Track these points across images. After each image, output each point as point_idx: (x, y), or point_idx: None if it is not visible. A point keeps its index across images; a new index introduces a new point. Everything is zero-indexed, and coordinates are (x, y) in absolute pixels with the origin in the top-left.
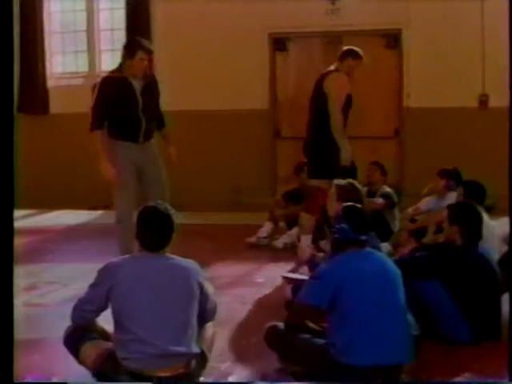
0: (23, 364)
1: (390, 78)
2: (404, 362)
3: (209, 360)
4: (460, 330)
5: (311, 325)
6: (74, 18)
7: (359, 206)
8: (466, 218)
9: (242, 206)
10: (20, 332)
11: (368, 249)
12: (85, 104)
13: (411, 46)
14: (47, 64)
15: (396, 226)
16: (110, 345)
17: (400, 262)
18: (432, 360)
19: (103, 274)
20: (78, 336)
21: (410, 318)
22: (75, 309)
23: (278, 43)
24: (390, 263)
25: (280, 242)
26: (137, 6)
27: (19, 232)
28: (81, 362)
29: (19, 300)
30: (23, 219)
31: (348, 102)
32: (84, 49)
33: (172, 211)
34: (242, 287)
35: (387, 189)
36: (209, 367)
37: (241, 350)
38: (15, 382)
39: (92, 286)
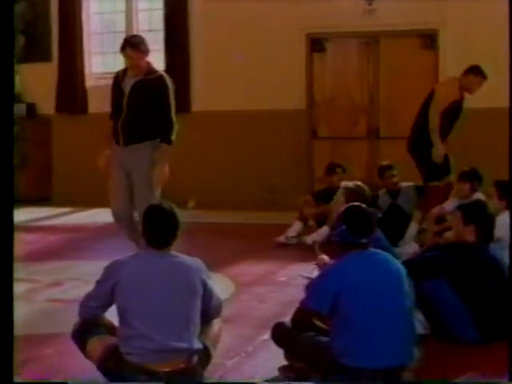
0: (36, 357)
1: (425, 79)
2: (405, 364)
3: (212, 356)
4: (468, 330)
5: (318, 323)
6: (114, 19)
7: (363, 206)
8: (482, 217)
9: (278, 205)
10: (39, 327)
11: (371, 250)
12: None
13: (447, 47)
14: (86, 64)
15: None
16: (115, 340)
17: (409, 263)
18: (439, 359)
19: (108, 270)
20: (85, 330)
21: (420, 317)
22: (82, 304)
23: (315, 43)
24: (395, 264)
25: (310, 239)
26: (175, 7)
27: (53, 229)
28: (87, 355)
29: (42, 296)
30: (60, 217)
31: (453, 110)
32: None
33: (176, 209)
34: (263, 286)
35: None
36: (216, 363)
37: (251, 348)
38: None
39: (98, 283)
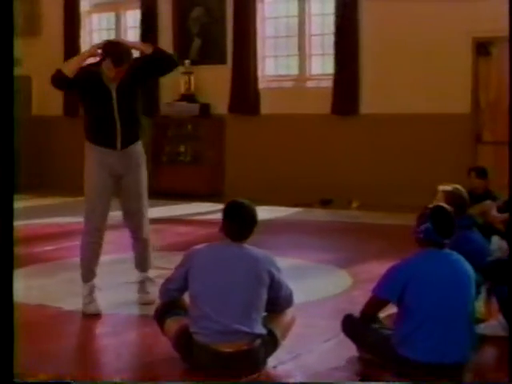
0: (134, 335)
1: None
2: (459, 362)
3: (280, 343)
4: None
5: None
6: (287, 24)
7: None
8: None
9: None
10: (151, 309)
11: (447, 250)
12: (295, 105)
13: None
14: (259, 67)
15: None
16: (188, 320)
17: (484, 266)
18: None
19: (185, 257)
20: (165, 312)
21: (500, 318)
22: (162, 287)
23: (481, 47)
24: (465, 266)
25: None
26: (346, 12)
27: (209, 223)
28: (165, 335)
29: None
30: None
31: None
32: (295, 53)
33: (254, 206)
34: None
35: None
36: (293, 346)
37: (332, 337)
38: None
39: (176, 268)
